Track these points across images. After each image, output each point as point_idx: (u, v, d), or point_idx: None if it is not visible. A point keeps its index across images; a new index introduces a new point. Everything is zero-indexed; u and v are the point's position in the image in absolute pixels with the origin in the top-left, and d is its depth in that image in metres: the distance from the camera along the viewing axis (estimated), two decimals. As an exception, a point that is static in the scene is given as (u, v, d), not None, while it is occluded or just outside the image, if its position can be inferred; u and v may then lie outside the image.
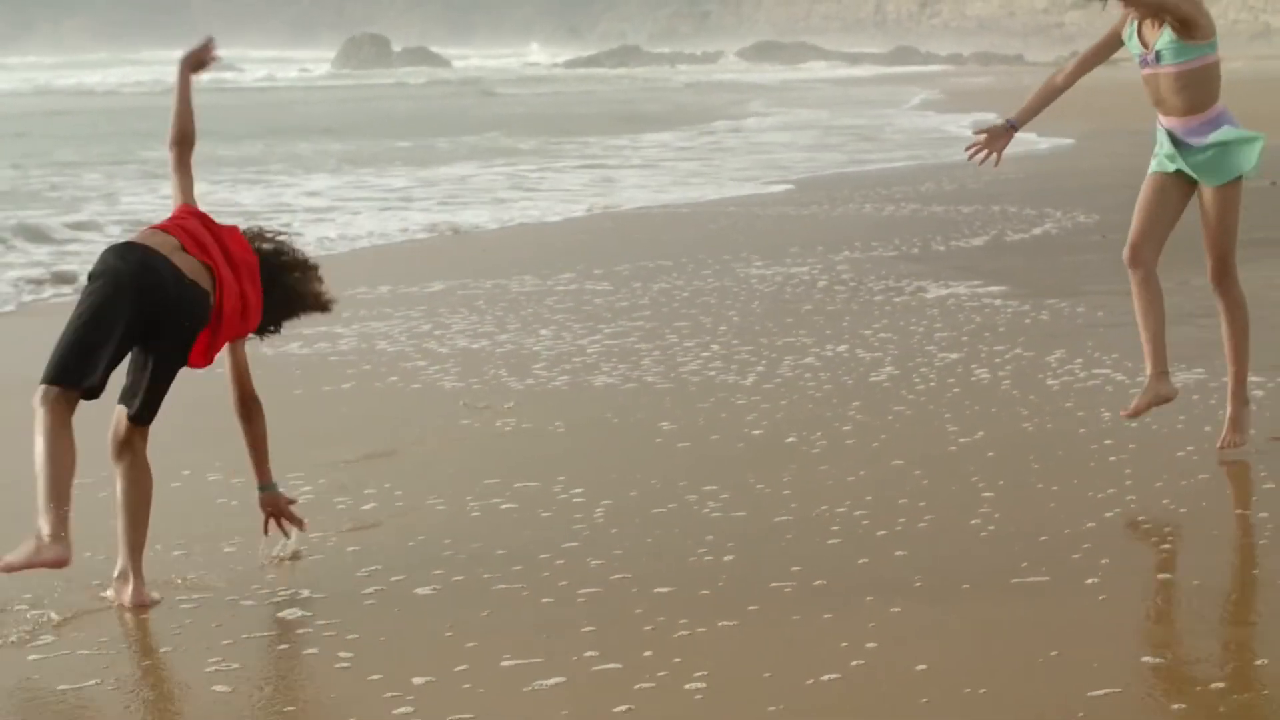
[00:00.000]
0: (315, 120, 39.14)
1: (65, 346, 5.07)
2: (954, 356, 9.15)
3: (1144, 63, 6.63)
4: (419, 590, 5.62)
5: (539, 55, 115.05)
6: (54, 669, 4.97)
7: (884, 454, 7.21)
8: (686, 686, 4.66)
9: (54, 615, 5.35)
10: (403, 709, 4.58)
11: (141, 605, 5.25)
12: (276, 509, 5.56)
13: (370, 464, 7.40)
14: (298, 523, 5.57)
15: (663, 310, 11.20)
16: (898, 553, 5.84)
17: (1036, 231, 14.86)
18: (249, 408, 5.51)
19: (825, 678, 4.66)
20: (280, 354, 9.52)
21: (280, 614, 5.46)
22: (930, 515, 6.23)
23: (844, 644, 4.91)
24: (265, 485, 5.55)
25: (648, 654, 4.92)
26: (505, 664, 4.90)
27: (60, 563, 5.00)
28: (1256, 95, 38.38)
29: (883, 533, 6.07)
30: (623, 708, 4.52)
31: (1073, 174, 20.72)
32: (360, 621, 5.30)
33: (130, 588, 5.27)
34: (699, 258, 13.71)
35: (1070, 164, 22.68)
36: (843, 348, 9.54)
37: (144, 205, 19.28)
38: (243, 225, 5.54)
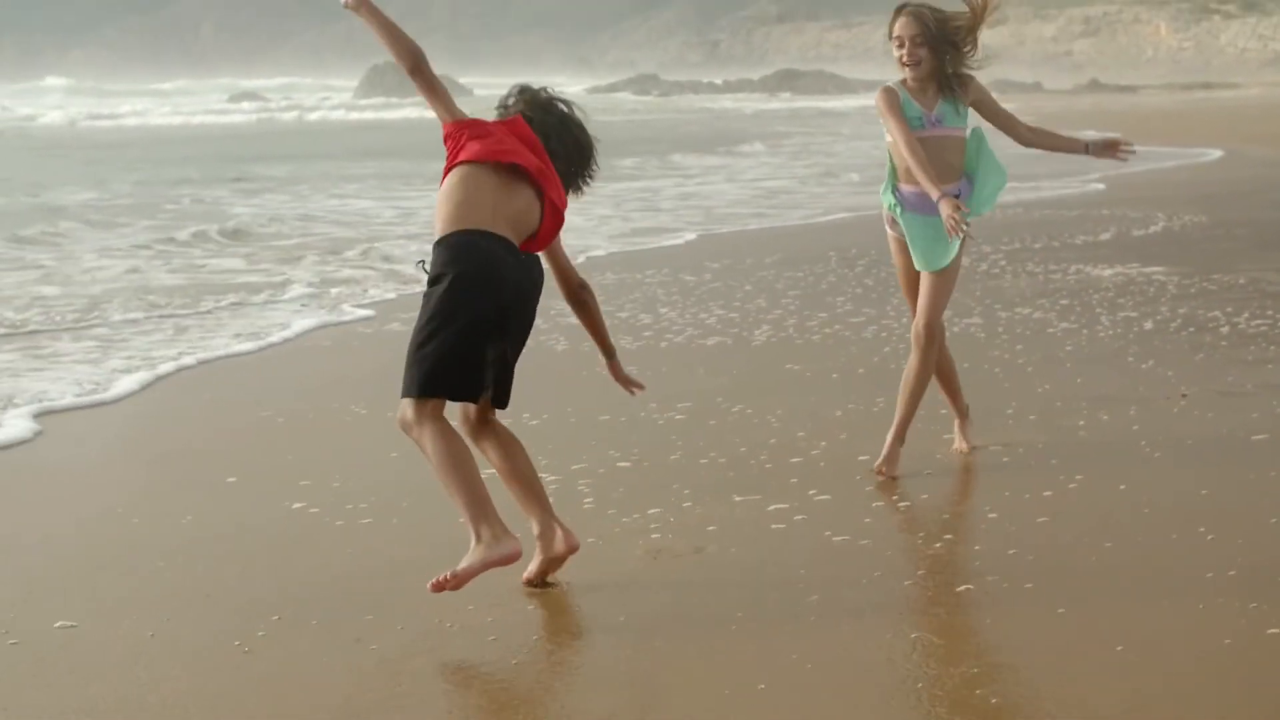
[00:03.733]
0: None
1: (441, 359, 4.76)
2: (1132, 315, 10.03)
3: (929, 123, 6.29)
4: (622, 464, 6.50)
5: (566, 84, 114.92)
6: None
7: (1074, 371, 8.21)
8: (901, 505, 5.81)
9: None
10: (654, 535, 5.45)
11: (574, 547, 5.04)
12: (618, 376, 5.46)
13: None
14: (639, 385, 5.48)
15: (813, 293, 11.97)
16: (1134, 427, 6.96)
17: (1154, 229, 15.19)
18: (581, 295, 5.26)
19: (1071, 485, 5.93)
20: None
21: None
22: (1135, 406, 7.33)
23: (1065, 477, 6.09)
24: (609, 354, 5.43)
25: (868, 488, 6.00)
26: (736, 499, 5.85)
27: (514, 556, 4.79)
28: (1268, 121, 38.74)
29: (1105, 416, 7.16)
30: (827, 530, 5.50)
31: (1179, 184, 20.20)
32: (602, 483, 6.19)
33: (559, 534, 5.01)
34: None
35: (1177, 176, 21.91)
36: (1026, 310, 10.27)
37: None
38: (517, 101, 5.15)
